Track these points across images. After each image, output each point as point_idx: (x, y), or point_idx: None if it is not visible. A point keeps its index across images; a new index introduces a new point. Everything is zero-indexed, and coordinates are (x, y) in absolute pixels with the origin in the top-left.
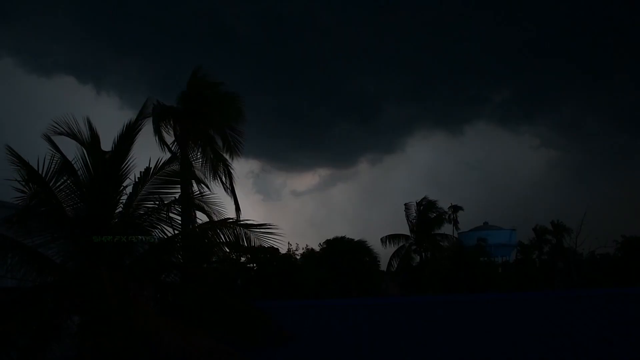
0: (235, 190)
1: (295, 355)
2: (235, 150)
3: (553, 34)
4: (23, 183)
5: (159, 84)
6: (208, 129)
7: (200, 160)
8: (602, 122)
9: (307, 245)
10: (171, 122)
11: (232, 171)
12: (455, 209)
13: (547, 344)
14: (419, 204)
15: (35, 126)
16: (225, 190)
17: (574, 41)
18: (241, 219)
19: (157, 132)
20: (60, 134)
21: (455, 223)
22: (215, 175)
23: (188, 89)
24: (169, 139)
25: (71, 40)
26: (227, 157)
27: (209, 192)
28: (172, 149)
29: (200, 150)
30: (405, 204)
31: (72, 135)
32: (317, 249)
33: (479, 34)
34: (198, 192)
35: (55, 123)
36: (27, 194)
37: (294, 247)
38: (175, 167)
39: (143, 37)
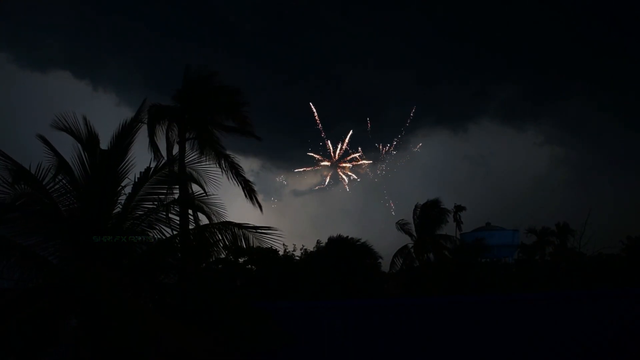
0: (249, 182)
1: (296, 356)
2: (246, 130)
3: (556, 30)
4: (10, 182)
5: (157, 80)
6: (207, 125)
7: (200, 159)
8: (607, 120)
9: (305, 247)
10: (167, 122)
11: (237, 164)
12: (459, 208)
13: (549, 345)
14: (424, 205)
15: (29, 121)
16: (238, 184)
17: (576, 38)
18: (249, 219)
19: (150, 135)
20: (61, 129)
21: (459, 223)
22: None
23: (184, 86)
24: (164, 140)
25: (67, 34)
26: (232, 153)
27: (209, 193)
28: (171, 149)
29: (199, 148)
30: (416, 205)
31: (72, 132)
32: (316, 248)
33: (482, 30)
34: (198, 193)
35: (56, 118)
36: (16, 192)
37: (291, 249)
38: (174, 167)
39: (141, 32)
